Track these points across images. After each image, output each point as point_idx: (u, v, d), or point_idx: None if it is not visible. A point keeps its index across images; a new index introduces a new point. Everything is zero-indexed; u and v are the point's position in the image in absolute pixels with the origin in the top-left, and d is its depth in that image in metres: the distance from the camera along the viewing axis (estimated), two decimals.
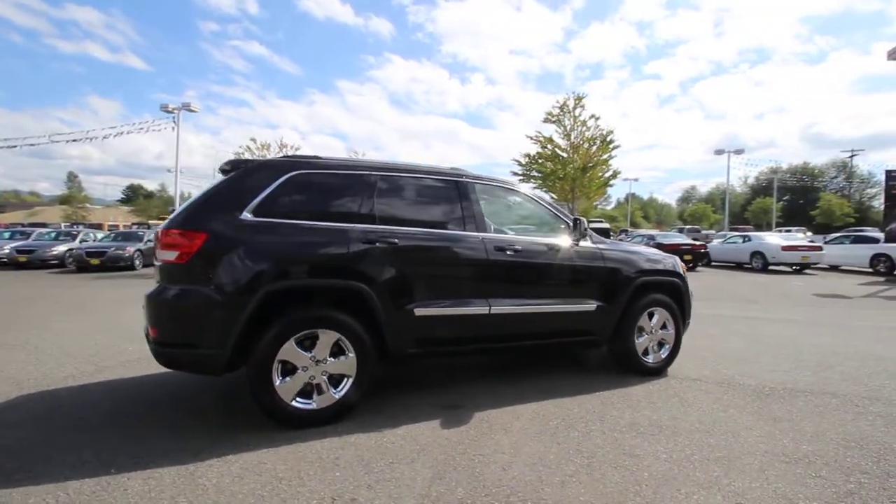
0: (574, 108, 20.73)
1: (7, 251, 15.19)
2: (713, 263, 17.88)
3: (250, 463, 2.38)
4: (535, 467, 2.37)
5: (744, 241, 17.05)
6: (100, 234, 18.68)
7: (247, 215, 2.80)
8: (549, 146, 21.14)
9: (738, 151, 32.97)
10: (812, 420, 3.05)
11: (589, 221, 3.58)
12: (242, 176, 2.96)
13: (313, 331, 2.79)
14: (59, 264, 15.26)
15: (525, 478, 2.27)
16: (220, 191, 2.91)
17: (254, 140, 20.50)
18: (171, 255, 2.69)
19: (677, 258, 4.40)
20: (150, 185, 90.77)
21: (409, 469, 2.34)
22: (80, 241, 16.58)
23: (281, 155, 18.50)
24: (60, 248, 15.60)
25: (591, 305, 3.72)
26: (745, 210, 57.31)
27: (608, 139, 20.51)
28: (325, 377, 2.85)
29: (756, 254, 15.94)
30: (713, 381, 3.86)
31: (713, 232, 33.64)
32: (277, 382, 2.72)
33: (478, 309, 3.27)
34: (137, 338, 5.06)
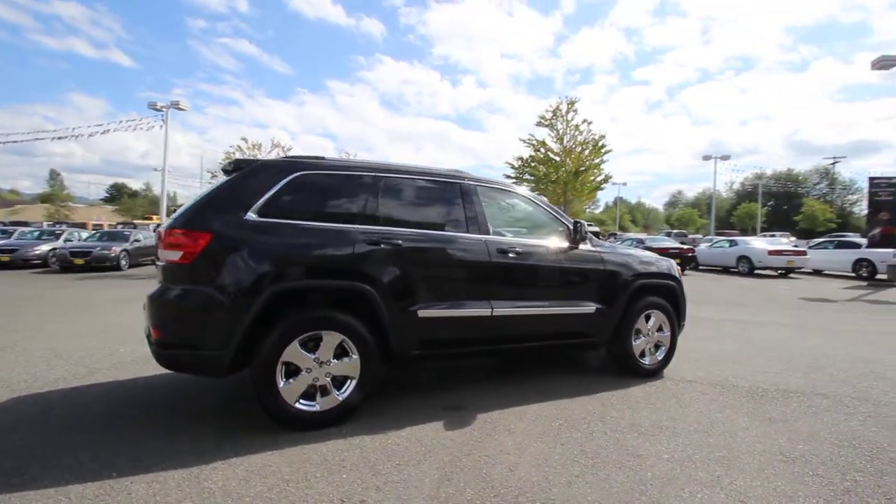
0: (567, 113, 20.94)
1: None
2: (700, 267, 18.19)
3: (255, 465, 2.36)
4: (541, 468, 2.39)
5: (730, 246, 17.38)
6: (84, 234, 18.31)
7: (251, 216, 2.78)
8: (542, 149, 21.30)
9: (725, 157, 33.58)
10: (806, 420, 3.12)
11: None
12: (246, 176, 2.94)
13: (317, 332, 2.78)
14: (43, 264, 14.90)
15: (532, 478, 2.29)
16: (223, 191, 2.88)
17: (245, 140, 20.23)
18: (174, 256, 2.66)
19: (672, 261, 4.47)
20: (135, 185, 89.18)
21: (416, 470, 2.34)
22: (65, 241, 16.22)
23: (275, 155, 18.38)
24: (44, 248, 15.23)
25: (590, 308, 3.76)
26: (731, 215, 58.35)
27: (600, 144, 20.74)
28: (328, 379, 2.83)
29: (743, 258, 16.25)
30: (708, 382, 3.92)
31: (700, 236, 34.16)
32: (281, 384, 2.70)
33: (480, 311, 3.28)
34: (128, 340, 4.99)
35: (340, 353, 2.87)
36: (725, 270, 17.23)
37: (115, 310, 7.05)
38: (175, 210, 4.41)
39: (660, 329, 4.13)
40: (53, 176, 71.04)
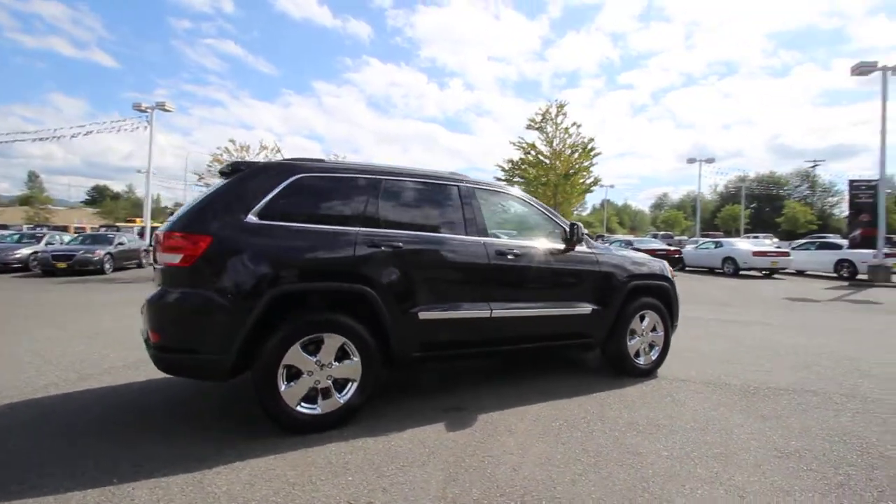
0: (556, 116, 21.12)
1: None
2: (686, 268, 18.50)
3: (259, 469, 2.34)
4: (545, 467, 2.42)
5: (716, 247, 17.72)
6: (66, 237, 17.92)
7: (252, 218, 2.77)
8: (532, 152, 21.44)
9: (710, 160, 34.16)
10: (797, 417, 3.21)
11: None
12: (245, 178, 2.92)
13: (318, 335, 2.78)
14: (24, 268, 14.56)
15: (536, 477, 2.31)
16: (223, 193, 2.86)
17: (233, 141, 19.91)
18: (174, 259, 2.63)
19: (665, 262, 4.56)
20: (117, 187, 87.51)
21: (420, 472, 2.35)
22: (46, 244, 15.86)
23: (263, 157, 18.17)
24: (24, 251, 14.87)
25: (586, 309, 3.81)
26: (715, 217, 59.43)
27: (589, 147, 20.96)
28: (329, 381, 2.83)
29: (728, 259, 16.58)
30: (701, 381, 4.00)
31: (685, 238, 34.75)
32: (283, 387, 2.69)
33: (480, 312, 3.31)
34: (118, 345, 4.91)
35: (342, 355, 2.87)
36: (711, 271, 17.55)
37: (102, 314, 6.91)
38: (171, 213, 4.35)
39: (654, 329, 4.20)
40: (32, 178, 69.15)
